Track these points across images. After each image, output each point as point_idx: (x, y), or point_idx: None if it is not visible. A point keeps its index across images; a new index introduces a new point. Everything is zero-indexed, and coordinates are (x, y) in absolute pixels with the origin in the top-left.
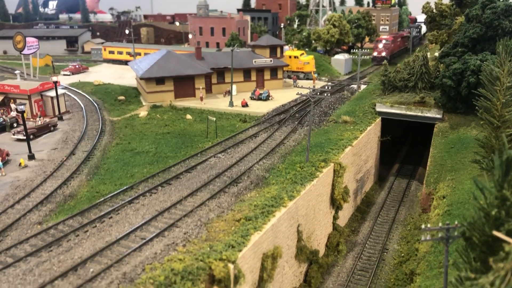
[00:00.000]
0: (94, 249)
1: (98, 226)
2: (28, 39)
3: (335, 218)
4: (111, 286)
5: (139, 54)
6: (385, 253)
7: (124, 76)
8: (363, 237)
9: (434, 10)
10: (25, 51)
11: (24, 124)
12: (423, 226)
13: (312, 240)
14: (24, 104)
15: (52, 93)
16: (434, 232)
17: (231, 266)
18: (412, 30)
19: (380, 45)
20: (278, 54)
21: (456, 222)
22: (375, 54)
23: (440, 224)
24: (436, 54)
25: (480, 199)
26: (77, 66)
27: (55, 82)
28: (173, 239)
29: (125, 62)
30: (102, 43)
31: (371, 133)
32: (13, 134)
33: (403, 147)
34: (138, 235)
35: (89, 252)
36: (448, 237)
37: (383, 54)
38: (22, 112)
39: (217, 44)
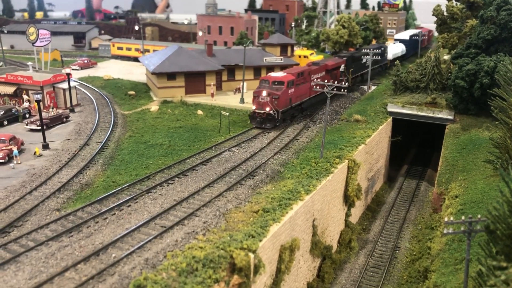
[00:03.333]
0: (115, 235)
1: (117, 214)
2: (40, 31)
3: (347, 215)
4: (134, 271)
5: (148, 50)
6: (396, 251)
7: (133, 72)
8: (375, 235)
9: (445, 13)
10: (38, 43)
11: (40, 113)
12: (446, 219)
13: (326, 236)
14: (41, 93)
15: (64, 85)
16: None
17: (251, 255)
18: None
19: (264, 92)
20: (289, 53)
21: (479, 216)
22: (253, 108)
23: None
24: (446, 57)
25: (505, 192)
26: (85, 61)
27: (68, 74)
28: (193, 227)
29: (134, 59)
30: (110, 39)
31: (383, 133)
32: (26, 124)
33: (412, 149)
34: (158, 223)
35: (109, 238)
36: (471, 231)
37: (268, 109)
38: (39, 101)
39: (225, 43)
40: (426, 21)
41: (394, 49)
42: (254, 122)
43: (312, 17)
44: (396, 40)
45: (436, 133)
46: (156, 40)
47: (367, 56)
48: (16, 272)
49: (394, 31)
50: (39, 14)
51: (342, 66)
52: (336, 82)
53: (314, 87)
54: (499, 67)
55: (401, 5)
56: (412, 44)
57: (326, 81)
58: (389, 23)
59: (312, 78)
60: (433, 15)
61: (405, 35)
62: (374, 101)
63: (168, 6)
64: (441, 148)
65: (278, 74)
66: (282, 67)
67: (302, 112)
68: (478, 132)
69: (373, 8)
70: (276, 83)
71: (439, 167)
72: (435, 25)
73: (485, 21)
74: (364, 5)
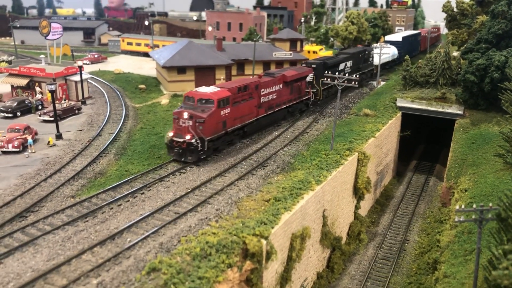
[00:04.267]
0: (129, 221)
1: (131, 201)
2: (53, 24)
3: (357, 207)
4: (149, 254)
5: (157, 46)
6: (405, 244)
7: (142, 67)
8: (384, 228)
9: (455, 9)
10: (50, 37)
11: (54, 103)
12: (457, 207)
13: (335, 227)
14: (55, 84)
15: (76, 78)
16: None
17: (264, 241)
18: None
19: (186, 114)
20: (298, 48)
21: (490, 204)
22: (170, 134)
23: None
24: (455, 54)
25: None
26: (95, 56)
27: (80, 67)
28: (206, 214)
29: (143, 54)
30: (119, 35)
31: (392, 127)
32: (39, 116)
33: (420, 145)
34: (172, 210)
35: (124, 223)
36: (482, 219)
37: (188, 137)
38: (53, 92)
39: (234, 39)
40: (435, 19)
41: (383, 53)
42: (171, 153)
43: (321, 13)
44: (386, 42)
45: (444, 129)
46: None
47: (375, 52)
48: (34, 254)
49: (403, 28)
50: (62, 11)
51: (310, 75)
52: (299, 96)
53: (326, 79)
54: (510, 62)
55: (409, 2)
56: (406, 47)
57: (282, 95)
58: (397, 21)
59: (262, 93)
60: (442, 11)
61: (397, 36)
62: (384, 96)
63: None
64: (449, 144)
65: (207, 90)
66: (292, 62)
67: (244, 138)
68: (488, 127)
69: (381, 6)
70: (203, 101)
71: (448, 161)
72: (445, 22)
73: (496, 16)
74: (372, 3)
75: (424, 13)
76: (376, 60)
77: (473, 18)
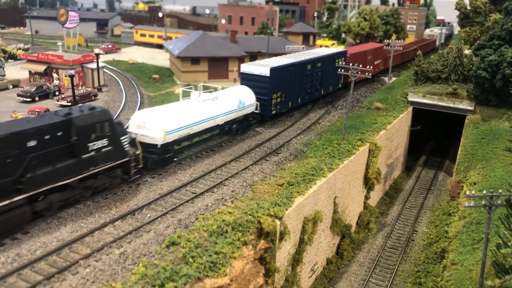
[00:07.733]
0: (148, 199)
1: (149, 181)
2: (70, 13)
3: (366, 197)
4: (168, 229)
5: (170, 38)
6: (414, 235)
7: (156, 58)
8: (392, 219)
9: (468, 7)
10: (67, 25)
11: (73, 87)
12: (467, 192)
13: (346, 215)
14: (74, 68)
15: (93, 65)
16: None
17: (278, 222)
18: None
19: None
20: (311, 42)
21: (500, 190)
22: None
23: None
24: (466, 52)
25: None
26: (109, 46)
27: (97, 54)
28: (222, 195)
29: (156, 45)
30: (132, 27)
31: (403, 121)
32: (57, 101)
33: (429, 142)
34: (189, 190)
35: (143, 201)
36: (491, 205)
37: None
38: (72, 76)
39: (246, 33)
40: (447, 18)
41: (186, 117)
42: None
43: (333, 9)
44: (243, 75)
45: (454, 125)
46: None
47: None
48: (58, 226)
49: (415, 27)
50: None
51: None
52: None
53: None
54: None
55: (422, 1)
56: (288, 87)
57: None
58: (409, 19)
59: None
60: (455, 9)
61: (263, 66)
62: (395, 91)
63: None
64: (459, 142)
65: None
66: None
67: None
68: (498, 123)
69: (393, 5)
70: None
71: (458, 155)
72: (457, 19)
73: (509, 12)
74: (384, 1)
75: (436, 12)
76: (158, 136)
77: (486, 16)
